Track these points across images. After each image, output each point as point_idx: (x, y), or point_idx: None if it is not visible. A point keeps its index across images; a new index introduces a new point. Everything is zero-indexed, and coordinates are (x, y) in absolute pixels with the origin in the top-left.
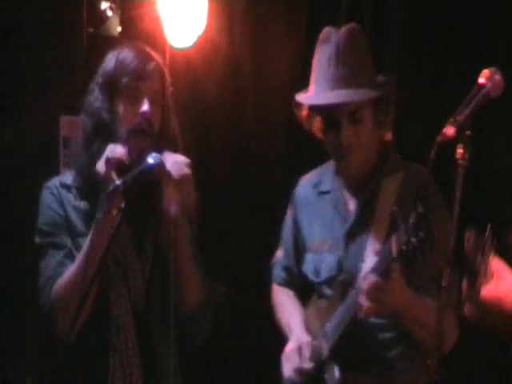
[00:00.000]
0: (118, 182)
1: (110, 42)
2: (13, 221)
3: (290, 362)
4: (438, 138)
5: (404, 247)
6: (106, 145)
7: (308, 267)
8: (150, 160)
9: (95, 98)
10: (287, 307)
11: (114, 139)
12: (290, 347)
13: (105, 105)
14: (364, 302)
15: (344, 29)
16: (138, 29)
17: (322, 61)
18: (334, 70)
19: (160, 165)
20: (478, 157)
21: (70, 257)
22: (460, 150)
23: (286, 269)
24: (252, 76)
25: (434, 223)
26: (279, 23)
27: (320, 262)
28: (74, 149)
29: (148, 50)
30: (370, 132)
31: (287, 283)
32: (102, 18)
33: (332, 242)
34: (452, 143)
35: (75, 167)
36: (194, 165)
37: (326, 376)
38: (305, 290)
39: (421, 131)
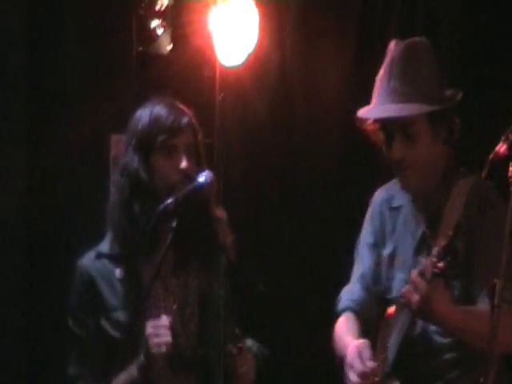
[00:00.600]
0: (168, 201)
1: (160, 61)
2: (61, 239)
3: (353, 369)
4: (490, 156)
5: (435, 270)
6: (146, 206)
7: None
8: (201, 178)
9: (131, 158)
10: (343, 331)
11: (153, 198)
12: (349, 356)
13: (142, 164)
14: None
15: (404, 42)
16: (188, 47)
17: (381, 73)
18: (388, 83)
19: (210, 183)
20: None
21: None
22: None
23: (363, 288)
24: (303, 93)
25: (484, 240)
26: (329, 39)
27: (391, 280)
28: (111, 211)
29: (178, 104)
30: (426, 147)
31: (358, 305)
32: (152, 36)
33: (403, 259)
34: (505, 161)
35: (113, 231)
36: (244, 182)
37: None
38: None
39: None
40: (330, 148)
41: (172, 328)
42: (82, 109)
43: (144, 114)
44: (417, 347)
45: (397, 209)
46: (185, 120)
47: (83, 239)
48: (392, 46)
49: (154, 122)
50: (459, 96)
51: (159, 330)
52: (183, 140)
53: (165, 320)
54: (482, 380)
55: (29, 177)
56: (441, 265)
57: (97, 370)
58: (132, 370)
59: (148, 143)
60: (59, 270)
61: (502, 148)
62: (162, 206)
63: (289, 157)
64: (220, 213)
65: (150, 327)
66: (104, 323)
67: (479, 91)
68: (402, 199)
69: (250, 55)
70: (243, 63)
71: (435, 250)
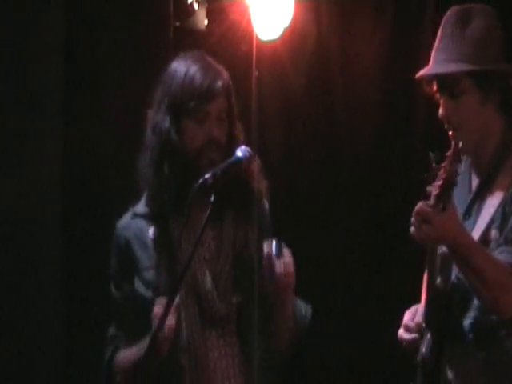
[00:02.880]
0: (206, 175)
1: (197, 36)
2: (98, 221)
3: (404, 321)
4: None
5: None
6: (176, 167)
7: None
8: (239, 153)
9: (163, 117)
10: None
11: (182, 160)
12: (409, 310)
13: (172, 125)
14: (412, 226)
15: (462, 6)
16: (224, 22)
17: (438, 34)
18: (439, 43)
19: (248, 157)
20: None
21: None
22: None
23: None
24: (340, 66)
25: None
26: (366, 11)
27: None
28: (142, 169)
29: (214, 63)
30: (473, 109)
31: None
32: (188, 11)
33: None
34: None
35: (146, 188)
36: (282, 158)
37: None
38: None
39: None
40: (369, 121)
41: (202, 282)
42: (120, 84)
43: (178, 73)
44: (450, 299)
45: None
46: (219, 84)
47: (122, 211)
48: (449, 11)
49: (188, 85)
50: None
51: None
52: (216, 106)
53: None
54: None
55: (66, 151)
56: (439, 183)
57: (132, 331)
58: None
59: (180, 106)
60: (97, 239)
61: None
62: (200, 181)
63: (327, 131)
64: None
65: (156, 305)
66: (137, 283)
67: None
68: (464, 166)
69: (286, 29)
70: (280, 37)
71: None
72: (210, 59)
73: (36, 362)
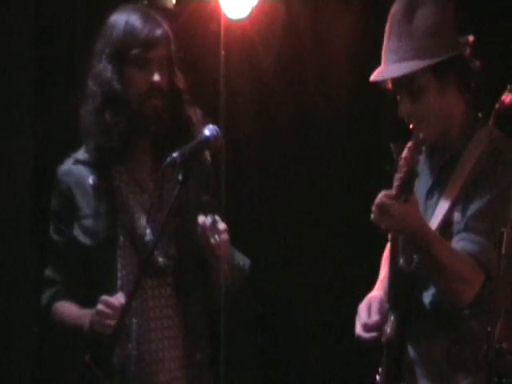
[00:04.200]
0: (175, 154)
1: (165, 14)
2: None
3: (359, 318)
4: (497, 106)
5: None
6: (118, 115)
7: None
8: (207, 132)
9: (104, 67)
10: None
11: (125, 108)
12: (360, 306)
13: (115, 74)
14: (372, 215)
15: (397, 2)
16: (193, 0)
17: (385, 32)
18: (388, 42)
19: (216, 136)
20: None
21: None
22: None
23: None
24: (309, 45)
25: (487, 192)
26: None
27: None
28: (84, 118)
29: (154, 13)
30: (434, 100)
31: None
32: None
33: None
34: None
35: (87, 140)
36: (251, 136)
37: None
38: None
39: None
40: (339, 100)
41: (141, 232)
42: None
43: (119, 23)
44: (413, 280)
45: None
46: (159, 32)
47: None
48: (393, 6)
49: (129, 33)
50: (467, 42)
51: (108, 309)
52: (157, 53)
53: (118, 300)
54: (489, 329)
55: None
56: (400, 175)
57: (71, 277)
58: (85, 320)
59: (122, 54)
60: None
61: (507, 98)
62: (168, 160)
63: (296, 109)
64: None
65: (100, 303)
66: (76, 230)
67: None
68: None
69: (254, 8)
70: (248, 16)
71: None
72: (149, 9)
73: (9, 361)
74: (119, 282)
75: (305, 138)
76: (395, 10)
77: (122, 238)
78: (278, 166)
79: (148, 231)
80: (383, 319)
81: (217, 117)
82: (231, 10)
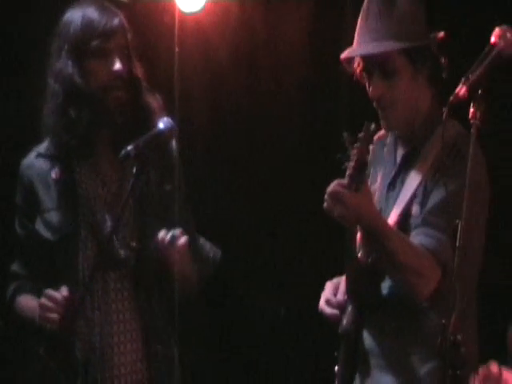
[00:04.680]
0: (129, 147)
1: (120, 8)
2: None
3: (324, 293)
4: (451, 98)
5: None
6: (82, 110)
7: None
8: (161, 125)
9: (64, 63)
10: None
11: (88, 102)
12: (329, 281)
13: (76, 69)
14: (325, 204)
15: None
16: None
17: (361, 13)
18: (365, 21)
19: (170, 129)
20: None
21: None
22: (472, 110)
23: None
24: (263, 39)
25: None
26: None
27: None
28: (46, 117)
29: (107, 4)
30: (407, 85)
31: None
32: None
33: (379, 194)
34: (465, 103)
35: (50, 135)
36: (205, 130)
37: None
38: None
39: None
40: (294, 89)
41: (102, 225)
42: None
43: (75, 18)
44: (371, 272)
45: (385, 145)
46: (116, 21)
47: None
48: None
49: (86, 26)
50: (439, 35)
51: (50, 303)
52: (116, 42)
53: (62, 295)
54: (444, 321)
55: None
56: (352, 164)
57: (35, 270)
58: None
59: (81, 48)
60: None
61: (461, 90)
62: (122, 153)
63: (251, 102)
64: None
65: (43, 296)
66: (38, 224)
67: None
68: (391, 136)
69: (208, 1)
70: (202, 9)
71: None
72: (103, 1)
73: None
74: (81, 275)
75: (259, 131)
76: None
77: (83, 232)
78: (233, 159)
79: (108, 224)
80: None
81: (171, 110)
82: (185, 3)
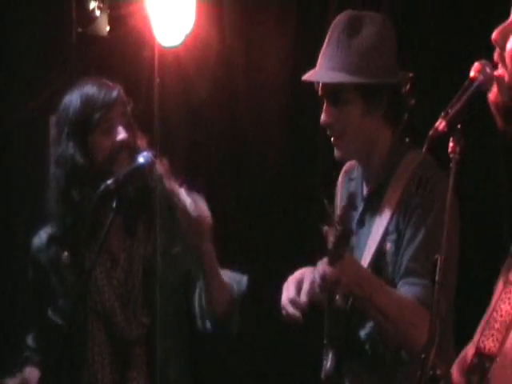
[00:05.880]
0: (108, 181)
1: (99, 42)
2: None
3: (288, 290)
4: (430, 132)
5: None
6: (85, 191)
7: None
8: (141, 159)
9: (65, 146)
10: None
11: (91, 182)
12: (293, 276)
13: (78, 149)
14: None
15: (354, 12)
16: (126, 28)
17: (326, 38)
18: (326, 48)
19: (150, 163)
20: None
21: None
22: (451, 144)
23: None
24: (244, 72)
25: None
26: (269, 16)
27: None
28: (50, 203)
29: (103, 79)
30: (356, 118)
31: None
32: (90, 17)
33: None
34: (445, 137)
35: (55, 220)
36: (185, 164)
37: (324, 360)
38: None
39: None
40: (274, 127)
41: (111, 311)
42: (21, 91)
43: (74, 98)
44: (350, 317)
45: (352, 180)
46: (115, 93)
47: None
48: (340, 15)
49: (86, 101)
50: (405, 77)
51: None
52: (117, 112)
53: None
54: (423, 355)
55: None
56: (337, 232)
57: (44, 347)
58: None
59: (84, 124)
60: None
61: (441, 125)
62: (102, 187)
63: (231, 138)
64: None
65: None
66: (50, 310)
67: (419, 66)
68: (357, 171)
69: (188, 35)
70: (182, 43)
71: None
72: (97, 78)
73: None
74: (90, 360)
75: (239, 165)
76: (340, 19)
77: (92, 319)
78: (212, 193)
79: (118, 310)
80: (311, 301)
81: (151, 144)
82: (165, 37)
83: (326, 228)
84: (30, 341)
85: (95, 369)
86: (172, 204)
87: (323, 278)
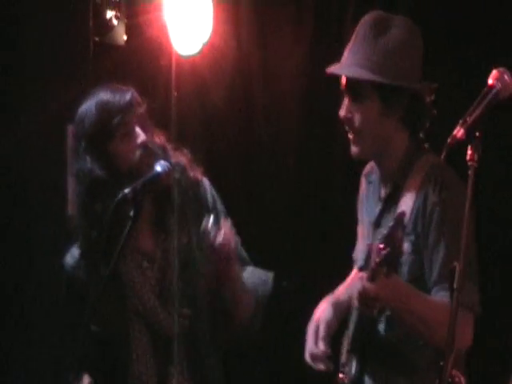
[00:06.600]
0: (126, 190)
1: (116, 51)
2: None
3: (307, 344)
4: (448, 140)
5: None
6: (107, 202)
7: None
8: (158, 168)
9: (83, 160)
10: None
11: (112, 192)
12: (308, 328)
13: (95, 162)
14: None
15: (383, 12)
16: (143, 37)
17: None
18: (351, 42)
19: (167, 172)
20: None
21: None
22: (470, 152)
23: None
24: (260, 80)
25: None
26: (286, 25)
27: (358, 251)
28: (75, 219)
29: (116, 84)
30: (374, 115)
31: None
32: (107, 26)
33: (367, 232)
34: (463, 145)
35: (81, 235)
36: (204, 173)
37: (346, 368)
38: None
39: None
40: (291, 135)
41: (152, 310)
42: (39, 99)
43: (89, 109)
44: (376, 324)
45: (370, 183)
46: (129, 96)
47: (40, 232)
48: (369, 13)
49: (102, 109)
50: (427, 87)
51: None
52: (135, 115)
53: None
54: (441, 363)
55: None
56: (384, 252)
57: (88, 354)
58: None
59: (102, 134)
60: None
61: (459, 132)
62: (120, 196)
63: (248, 146)
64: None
65: None
66: (93, 323)
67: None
68: (375, 174)
69: (205, 44)
70: (199, 52)
71: (380, 237)
72: (109, 84)
73: None
74: (135, 364)
75: (256, 173)
76: (370, 17)
77: (133, 323)
78: (229, 200)
79: (159, 309)
80: (329, 343)
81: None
82: (182, 46)
83: (370, 244)
84: (77, 352)
85: (140, 371)
86: (197, 194)
87: (363, 294)
